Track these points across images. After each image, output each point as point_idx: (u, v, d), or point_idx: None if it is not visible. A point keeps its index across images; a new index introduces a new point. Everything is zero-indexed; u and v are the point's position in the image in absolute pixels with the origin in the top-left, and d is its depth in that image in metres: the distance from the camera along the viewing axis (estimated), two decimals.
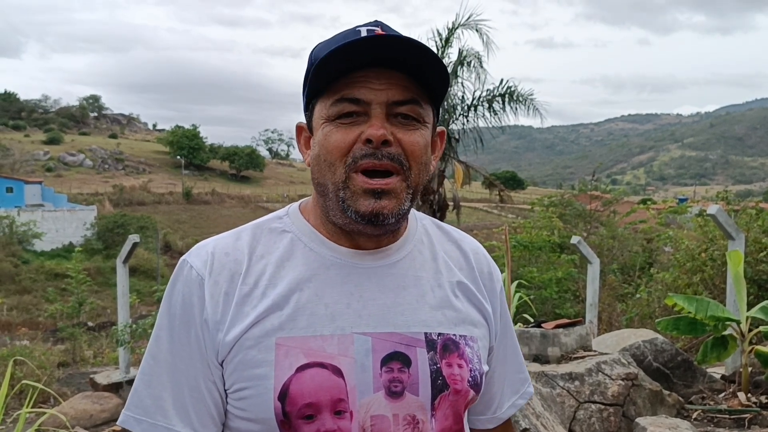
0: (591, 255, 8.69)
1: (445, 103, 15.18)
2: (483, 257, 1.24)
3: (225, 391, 1.06)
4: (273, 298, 1.05)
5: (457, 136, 16.19)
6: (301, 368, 1.01)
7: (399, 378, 1.04)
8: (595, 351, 5.07)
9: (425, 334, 1.08)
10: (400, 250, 1.13)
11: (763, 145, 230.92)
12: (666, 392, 4.83)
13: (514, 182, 62.68)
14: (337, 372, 1.01)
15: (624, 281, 12.69)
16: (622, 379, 4.53)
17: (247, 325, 1.03)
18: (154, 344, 1.09)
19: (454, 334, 1.11)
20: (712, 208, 6.26)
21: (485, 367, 1.16)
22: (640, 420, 4.00)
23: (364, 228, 1.06)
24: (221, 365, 1.05)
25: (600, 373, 4.54)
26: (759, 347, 5.15)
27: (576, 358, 4.85)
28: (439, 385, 1.06)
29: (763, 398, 5.00)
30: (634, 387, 4.56)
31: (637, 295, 10.10)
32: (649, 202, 17.14)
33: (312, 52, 1.09)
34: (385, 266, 1.11)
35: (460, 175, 15.91)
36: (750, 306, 5.47)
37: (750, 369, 5.27)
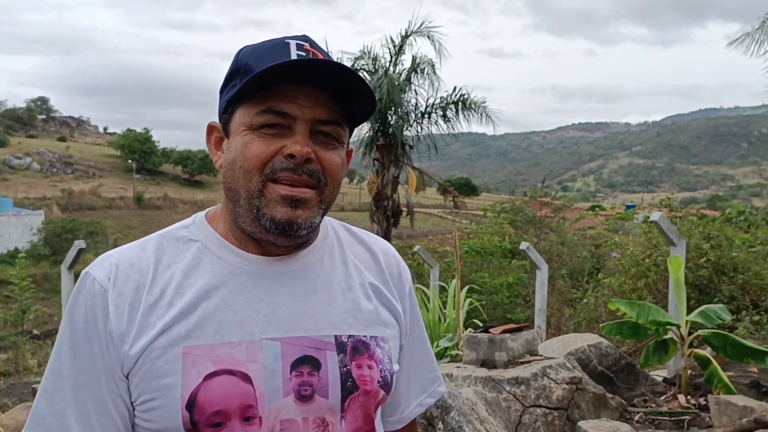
0: (539, 261, 8.83)
1: (399, 110, 15.27)
2: (393, 258, 1.27)
3: (132, 403, 1.05)
4: (180, 307, 1.04)
5: (411, 143, 16.29)
6: (209, 376, 1.01)
7: (309, 381, 1.06)
8: (541, 356, 5.15)
9: (335, 336, 1.10)
10: (309, 255, 1.16)
11: (707, 154, 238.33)
12: (609, 395, 4.93)
13: (468, 188, 63.29)
14: (246, 378, 1.02)
15: (573, 286, 12.93)
16: (567, 383, 4.62)
17: (154, 336, 1.02)
18: (56, 360, 1.06)
19: (365, 336, 1.13)
20: (655, 215, 6.44)
21: (396, 367, 1.19)
22: (582, 423, 4.08)
23: (275, 238, 1.08)
24: (127, 378, 1.04)
25: (545, 378, 4.62)
26: (698, 350, 5.32)
27: (522, 363, 4.93)
28: (349, 386, 1.09)
29: (701, 400, 5.15)
30: (578, 391, 4.65)
31: (585, 300, 10.30)
32: (597, 209, 17.50)
33: (238, 55, 1.10)
34: (295, 271, 1.13)
35: (413, 182, 16.00)
36: (692, 310, 5.64)
37: (690, 372, 5.43)
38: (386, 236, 15.97)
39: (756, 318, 7.27)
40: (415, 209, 18.08)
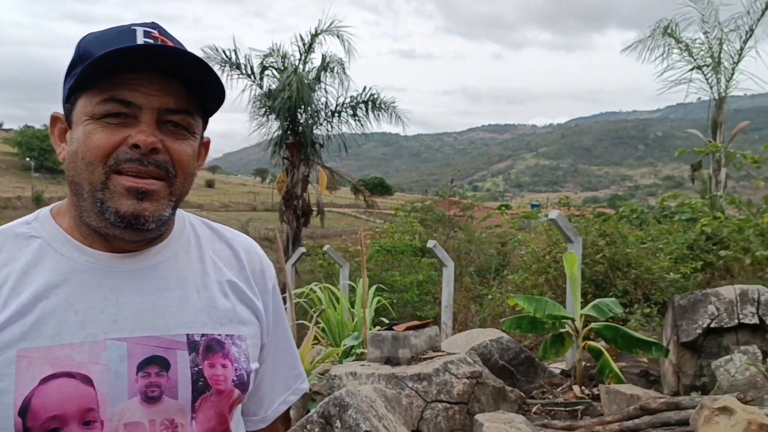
0: (446, 258, 8.98)
1: (309, 108, 15.21)
2: (255, 255, 1.25)
3: None
4: (15, 307, 0.99)
5: (321, 142, 16.26)
6: (45, 380, 0.96)
7: (156, 382, 1.02)
8: (443, 351, 5.24)
9: (187, 335, 1.07)
10: (162, 252, 1.12)
11: (607, 156, 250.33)
12: (509, 388, 5.07)
13: (382, 188, 63.98)
14: (87, 381, 0.98)
15: (480, 283, 13.22)
16: (468, 378, 4.71)
17: None
18: None
19: (219, 334, 1.10)
20: (553, 213, 6.67)
21: (254, 366, 1.17)
22: (478, 416, 4.17)
23: (122, 233, 1.03)
24: None
25: (447, 373, 4.70)
26: (591, 342, 5.55)
27: (425, 359, 4.99)
28: (200, 386, 1.06)
29: (595, 390, 5.39)
30: (478, 385, 4.75)
31: (490, 296, 10.55)
32: (503, 208, 18.01)
33: (81, 43, 1.05)
34: (146, 268, 1.09)
35: (324, 180, 15.98)
36: (589, 304, 5.87)
37: (584, 363, 5.66)
38: (296, 236, 15.87)
39: (647, 311, 7.65)
40: (328, 209, 18.07)
